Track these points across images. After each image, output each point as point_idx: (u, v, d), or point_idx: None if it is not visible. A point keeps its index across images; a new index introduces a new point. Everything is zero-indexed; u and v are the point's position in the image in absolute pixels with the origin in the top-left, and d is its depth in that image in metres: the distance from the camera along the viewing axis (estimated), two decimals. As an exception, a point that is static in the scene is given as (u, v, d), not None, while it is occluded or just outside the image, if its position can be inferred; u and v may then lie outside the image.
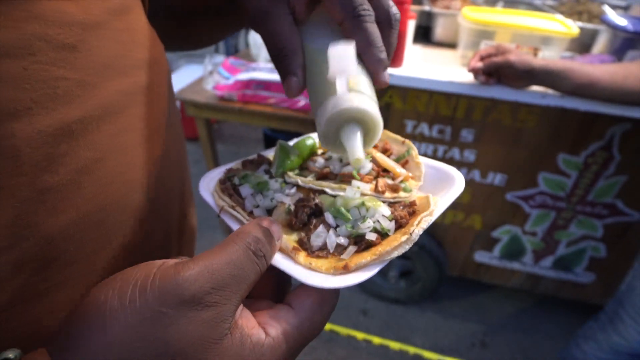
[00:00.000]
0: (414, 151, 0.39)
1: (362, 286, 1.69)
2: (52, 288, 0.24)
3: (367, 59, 0.31)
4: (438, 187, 0.35)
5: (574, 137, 1.13)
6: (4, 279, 0.21)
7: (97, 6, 0.25)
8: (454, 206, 1.37)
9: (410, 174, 0.36)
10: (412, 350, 1.45)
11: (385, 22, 0.31)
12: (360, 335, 1.48)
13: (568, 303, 1.55)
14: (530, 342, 1.53)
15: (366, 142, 0.31)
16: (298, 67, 0.32)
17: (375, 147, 0.40)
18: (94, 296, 0.21)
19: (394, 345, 1.45)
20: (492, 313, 1.63)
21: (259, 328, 0.23)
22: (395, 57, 1.11)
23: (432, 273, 1.51)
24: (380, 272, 1.65)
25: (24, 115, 0.21)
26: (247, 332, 0.22)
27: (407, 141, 0.39)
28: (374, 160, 0.37)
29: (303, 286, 0.26)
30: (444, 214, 1.40)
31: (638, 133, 1.08)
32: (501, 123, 1.15)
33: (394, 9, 0.32)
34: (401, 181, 0.35)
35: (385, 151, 0.40)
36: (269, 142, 2.20)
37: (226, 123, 2.97)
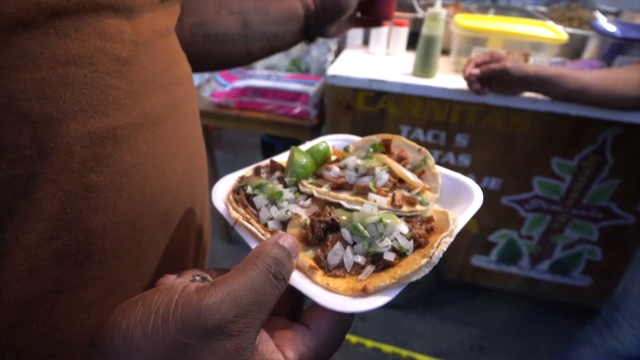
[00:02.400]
0: (431, 160, 0.37)
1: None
2: (85, 283, 0.25)
3: None
4: (455, 200, 0.34)
5: (567, 141, 1.15)
6: (42, 268, 0.22)
7: (147, 28, 0.28)
8: (450, 210, 1.38)
9: (427, 185, 0.35)
10: (404, 353, 1.44)
11: None
12: (353, 338, 1.48)
13: (566, 306, 1.55)
14: (528, 345, 1.53)
15: None
16: None
17: (391, 154, 0.39)
18: (115, 323, 0.20)
19: (387, 348, 1.44)
20: (490, 317, 1.63)
21: (278, 352, 0.23)
22: (387, 12, 1.03)
23: (429, 277, 1.50)
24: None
25: (80, 117, 0.23)
26: (267, 358, 0.22)
27: (424, 149, 0.38)
28: (390, 171, 0.35)
29: (319, 306, 0.25)
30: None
31: (630, 136, 1.09)
32: (495, 127, 1.16)
33: None
34: (418, 193, 0.34)
35: (401, 159, 0.39)
36: (266, 148, 2.21)
37: (224, 129, 2.98)
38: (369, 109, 1.21)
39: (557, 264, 1.41)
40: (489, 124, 1.16)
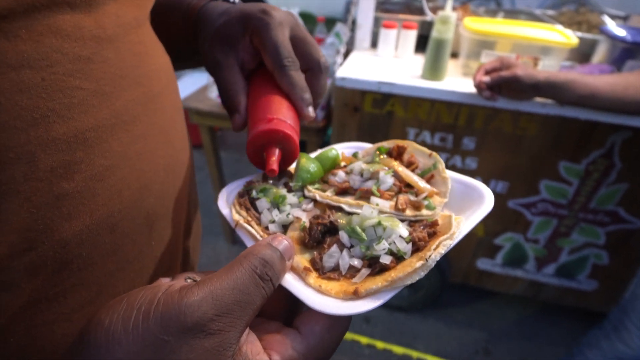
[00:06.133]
0: (441, 165, 0.36)
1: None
2: (65, 291, 0.24)
3: (291, 98, 0.37)
4: (465, 204, 0.33)
5: (575, 145, 1.14)
6: (19, 282, 0.22)
7: (110, 21, 0.26)
8: (456, 213, 1.38)
9: (435, 190, 0.34)
10: (415, 354, 1.44)
11: (315, 68, 0.38)
12: (364, 339, 1.48)
13: (571, 310, 1.55)
14: (533, 349, 1.53)
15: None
16: (241, 107, 0.37)
17: (400, 160, 0.38)
18: (100, 319, 0.21)
19: (398, 349, 1.44)
20: (495, 320, 1.63)
21: (264, 354, 0.23)
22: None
23: (434, 280, 1.50)
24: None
25: (41, 123, 0.22)
26: (251, 359, 0.22)
27: (434, 154, 0.37)
28: (395, 175, 0.35)
29: (312, 310, 0.25)
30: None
31: (639, 140, 1.09)
32: (502, 131, 1.16)
33: (323, 59, 0.39)
34: (425, 197, 0.33)
35: (410, 164, 0.38)
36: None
37: (229, 130, 2.98)
38: (376, 111, 1.21)
39: (563, 267, 1.40)
40: (496, 127, 1.16)
